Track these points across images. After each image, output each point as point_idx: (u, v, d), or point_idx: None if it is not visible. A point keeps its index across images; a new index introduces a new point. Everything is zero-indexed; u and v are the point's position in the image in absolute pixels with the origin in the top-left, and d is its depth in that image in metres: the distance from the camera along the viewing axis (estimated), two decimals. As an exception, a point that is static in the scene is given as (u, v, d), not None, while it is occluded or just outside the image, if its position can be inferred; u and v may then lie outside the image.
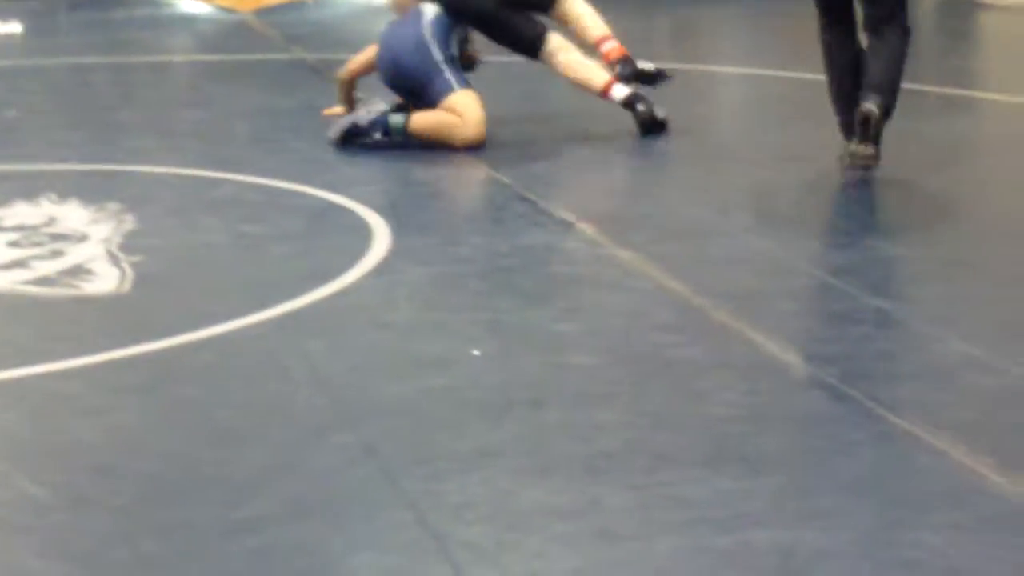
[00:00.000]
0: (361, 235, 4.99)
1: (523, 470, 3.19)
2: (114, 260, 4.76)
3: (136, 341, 4.03)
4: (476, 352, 3.91)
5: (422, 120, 6.23)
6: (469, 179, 5.80)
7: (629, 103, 6.41)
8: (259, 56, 8.13)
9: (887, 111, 5.45)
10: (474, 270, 4.67)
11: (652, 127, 6.38)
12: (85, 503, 3.09)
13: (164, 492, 3.14)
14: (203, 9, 11.12)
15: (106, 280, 4.58)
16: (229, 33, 9.76)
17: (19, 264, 4.74)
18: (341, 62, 7.63)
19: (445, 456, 3.26)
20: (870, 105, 5.37)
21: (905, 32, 5.58)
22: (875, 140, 5.43)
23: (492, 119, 6.48)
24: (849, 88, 5.56)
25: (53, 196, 5.50)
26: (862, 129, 5.40)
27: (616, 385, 3.68)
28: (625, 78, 6.44)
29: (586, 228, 5.02)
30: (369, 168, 6.06)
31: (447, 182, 5.78)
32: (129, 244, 4.92)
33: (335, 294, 4.42)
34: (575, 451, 3.27)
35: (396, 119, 6.22)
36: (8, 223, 5.20)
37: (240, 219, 5.32)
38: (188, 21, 10.94)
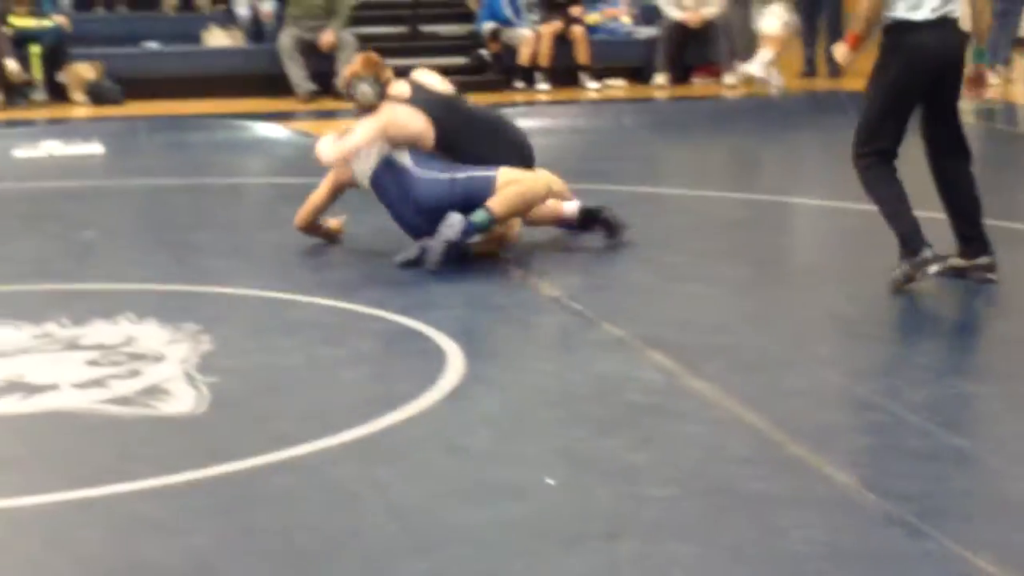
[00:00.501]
0: (435, 360, 5.01)
1: (598, 603, 3.17)
2: (191, 381, 4.80)
3: (212, 463, 4.05)
4: (550, 481, 3.90)
5: (503, 201, 6.31)
6: (542, 306, 5.82)
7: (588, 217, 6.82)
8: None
9: None
10: (547, 398, 4.68)
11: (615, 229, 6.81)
12: (160, 626, 3.10)
13: (239, 617, 3.14)
14: (280, 133, 11.29)
15: (183, 400, 4.61)
16: (304, 157, 9.85)
17: (97, 383, 4.79)
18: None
19: (519, 586, 3.24)
20: None
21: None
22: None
23: (564, 247, 6.52)
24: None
25: (132, 316, 5.57)
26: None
27: (692, 518, 3.66)
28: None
29: (659, 357, 5.01)
30: (443, 292, 6.10)
31: (521, 308, 5.81)
32: (206, 365, 4.96)
33: (409, 419, 4.43)
34: (650, 584, 3.25)
35: (480, 216, 6.28)
36: (87, 342, 5.26)
37: (316, 341, 5.36)
38: (265, 144, 11.10)
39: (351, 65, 6.80)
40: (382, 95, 6.62)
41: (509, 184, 6.37)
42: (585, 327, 5.48)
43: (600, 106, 12.92)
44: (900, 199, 5.80)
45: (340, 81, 6.71)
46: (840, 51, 5.98)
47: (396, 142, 6.52)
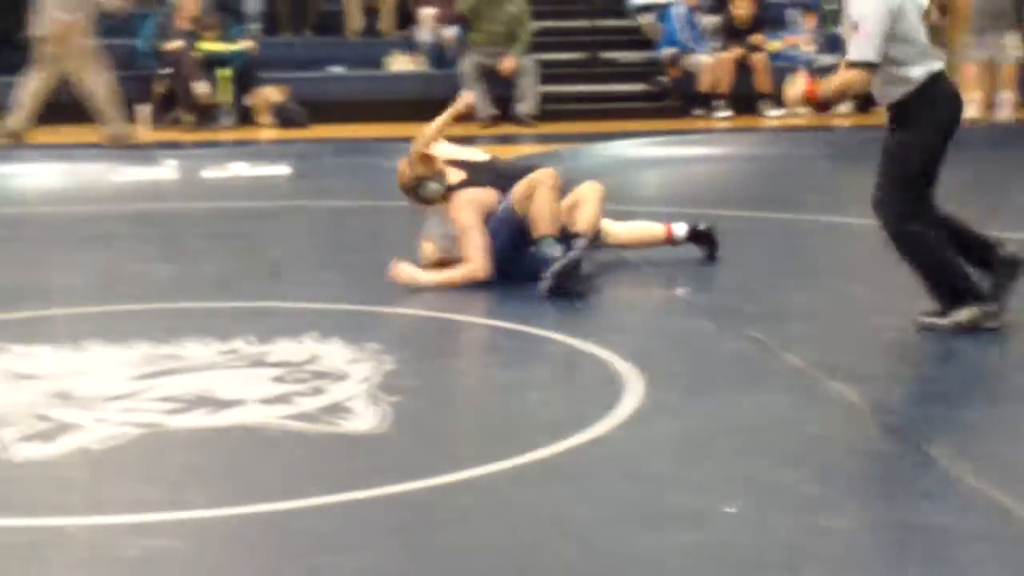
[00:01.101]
0: (614, 385, 5.01)
1: (777, 633, 3.14)
2: (373, 399, 4.87)
3: (392, 481, 4.10)
4: (730, 509, 3.87)
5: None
6: (722, 334, 5.79)
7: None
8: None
9: None
10: (727, 426, 4.65)
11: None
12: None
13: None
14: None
15: (365, 419, 4.68)
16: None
17: (282, 399, 4.89)
18: (609, 214, 7.75)
19: (698, 614, 3.22)
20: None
21: None
22: None
23: (746, 275, 6.48)
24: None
25: (316, 335, 5.68)
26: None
27: (871, 551, 3.61)
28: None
29: (840, 387, 4.95)
30: (622, 319, 6.11)
31: (700, 336, 5.78)
32: (388, 384, 5.03)
33: (588, 443, 4.44)
34: (831, 617, 3.21)
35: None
36: (272, 359, 5.37)
37: (495, 364, 5.40)
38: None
39: (409, 169, 6.90)
40: (445, 187, 6.79)
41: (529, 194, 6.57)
42: (765, 356, 5.44)
43: (780, 134, 12.82)
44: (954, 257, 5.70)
45: (403, 181, 6.94)
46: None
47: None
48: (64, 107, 13.19)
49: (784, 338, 5.62)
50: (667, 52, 13.96)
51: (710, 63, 13.72)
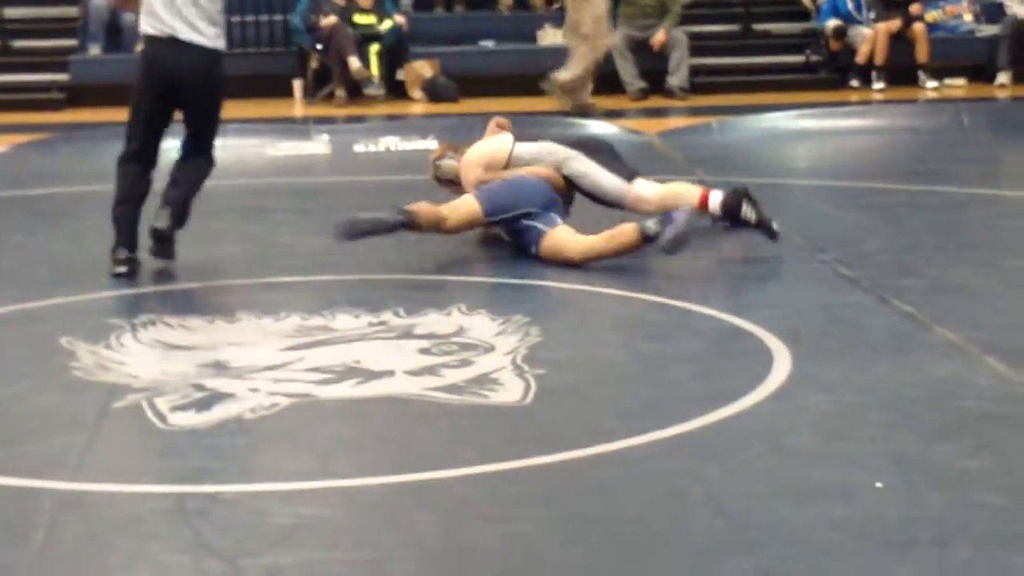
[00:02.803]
0: (762, 359, 4.96)
1: (926, 610, 3.09)
2: (519, 372, 4.88)
3: (537, 452, 4.11)
4: (879, 484, 3.81)
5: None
6: (873, 308, 5.69)
7: (731, 204, 6.54)
8: (664, 177, 8.23)
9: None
10: (877, 400, 4.58)
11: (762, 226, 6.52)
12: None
13: (562, 604, 3.18)
14: (609, 129, 11.36)
15: (511, 391, 4.69)
16: (634, 154, 9.90)
17: (429, 371, 4.92)
18: (762, 186, 7.66)
19: (845, 589, 3.19)
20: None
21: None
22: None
23: (896, 249, 6.36)
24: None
25: (463, 307, 5.70)
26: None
27: (1026, 528, 3.53)
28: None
29: (996, 363, 4.85)
30: (771, 292, 6.05)
31: (850, 310, 5.69)
32: (533, 357, 5.04)
33: (735, 417, 4.40)
34: (982, 594, 3.16)
35: None
36: (420, 331, 5.41)
37: (642, 337, 5.38)
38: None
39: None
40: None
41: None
42: (918, 330, 5.35)
43: (938, 106, 12.57)
44: None
45: (429, 171, 7.38)
46: None
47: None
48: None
49: (939, 312, 5.52)
50: (831, 23, 13.70)
51: (869, 34, 13.49)
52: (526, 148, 7.00)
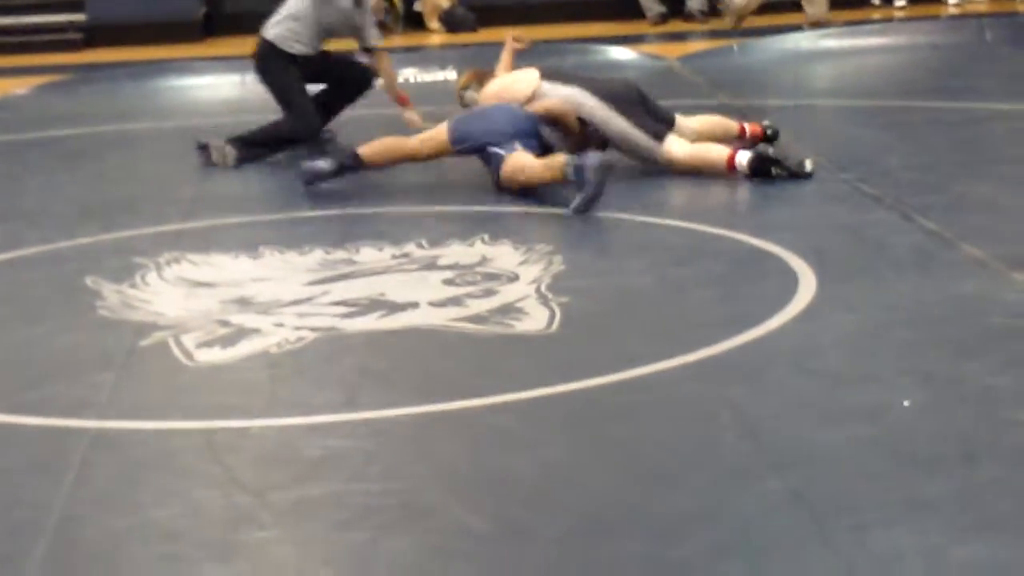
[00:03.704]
0: (786, 280, 4.95)
1: (955, 525, 3.10)
2: (543, 300, 4.88)
3: (564, 379, 4.12)
4: (906, 403, 3.81)
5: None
6: (896, 226, 5.67)
7: (758, 168, 6.44)
8: (685, 101, 8.20)
9: None
10: (903, 319, 4.57)
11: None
12: (520, 534, 3.18)
13: (594, 527, 3.19)
14: (629, 55, 11.30)
15: (536, 319, 4.69)
16: (655, 79, 9.86)
17: (454, 301, 4.92)
18: (765, 108, 7.63)
19: (874, 507, 3.19)
20: None
21: None
22: None
23: (918, 167, 6.32)
24: None
25: (486, 237, 5.70)
26: None
27: (1056, 442, 3.52)
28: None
29: (1022, 278, 4.83)
30: (794, 213, 6.02)
31: (874, 228, 5.67)
32: (558, 285, 5.03)
33: (760, 339, 4.40)
34: (1010, 508, 3.16)
35: None
36: (444, 262, 5.40)
37: (666, 262, 5.37)
38: (615, 67, 11.12)
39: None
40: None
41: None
42: (942, 247, 5.32)
43: (960, 21, 12.45)
44: None
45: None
46: None
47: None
48: (237, 17, 13.39)
49: (964, 228, 5.49)
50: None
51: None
52: (554, 90, 6.91)
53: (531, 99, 6.87)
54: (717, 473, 3.46)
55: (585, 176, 5.99)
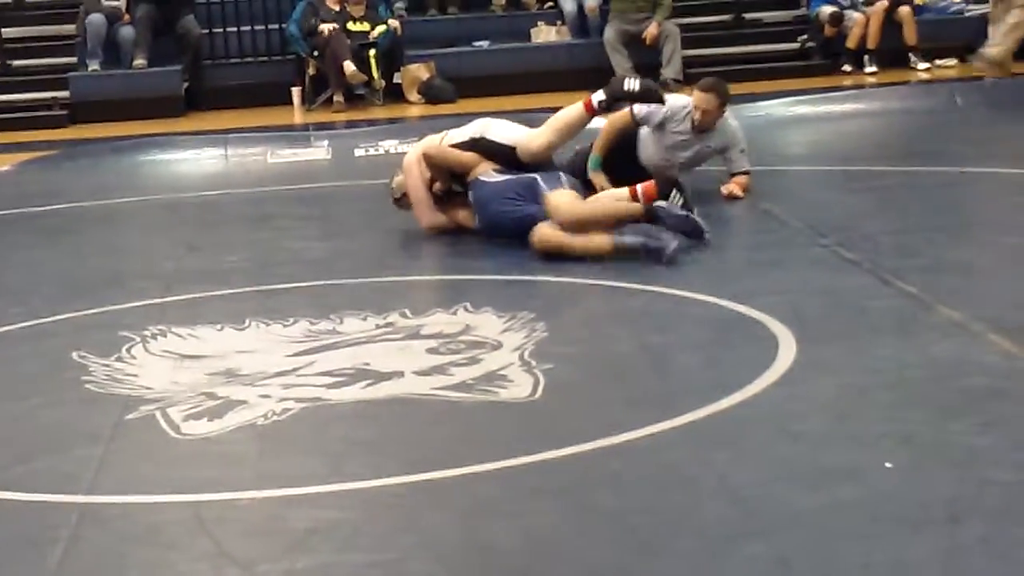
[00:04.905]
0: (767, 345, 5.00)
1: (941, 587, 3.13)
2: (527, 367, 4.91)
3: (549, 447, 4.14)
4: (889, 465, 3.85)
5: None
6: (875, 289, 5.73)
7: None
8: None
9: None
10: (883, 381, 4.61)
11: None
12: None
13: (580, 595, 3.21)
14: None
15: (520, 387, 4.73)
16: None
17: (439, 370, 4.95)
18: (760, 173, 7.70)
19: (859, 570, 3.22)
20: None
21: None
22: None
23: (897, 230, 6.38)
24: None
25: (468, 305, 5.74)
26: None
27: (1037, 502, 3.56)
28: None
29: (1000, 340, 4.88)
30: (773, 278, 6.07)
31: (853, 293, 5.72)
32: (541, 352, 5.07)
33: (743, 403, 4.43)
34: (996, 569, 3.19)
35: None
36: (427, 331, 5.44)
37: (647, 329, 5.41)
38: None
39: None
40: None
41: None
42: (921, 310, 5.38)
43: (931, 87, 12.59)
44: None
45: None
46: None
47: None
48: (219, 92, 13.49)
49: (941, 291, 5.55)
50: (827, 10, 13.69)
51: (860, 19, 13.52)
52: (457, 131, 7.14)
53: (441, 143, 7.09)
54: (702, 539, 3.49)
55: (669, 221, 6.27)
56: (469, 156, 6.90)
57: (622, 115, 7.59)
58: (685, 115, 7.61)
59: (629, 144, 7.64)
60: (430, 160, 6.98)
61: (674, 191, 6.58)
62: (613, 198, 6.81)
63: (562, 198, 6.51)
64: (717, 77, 7.84)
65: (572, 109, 6.89)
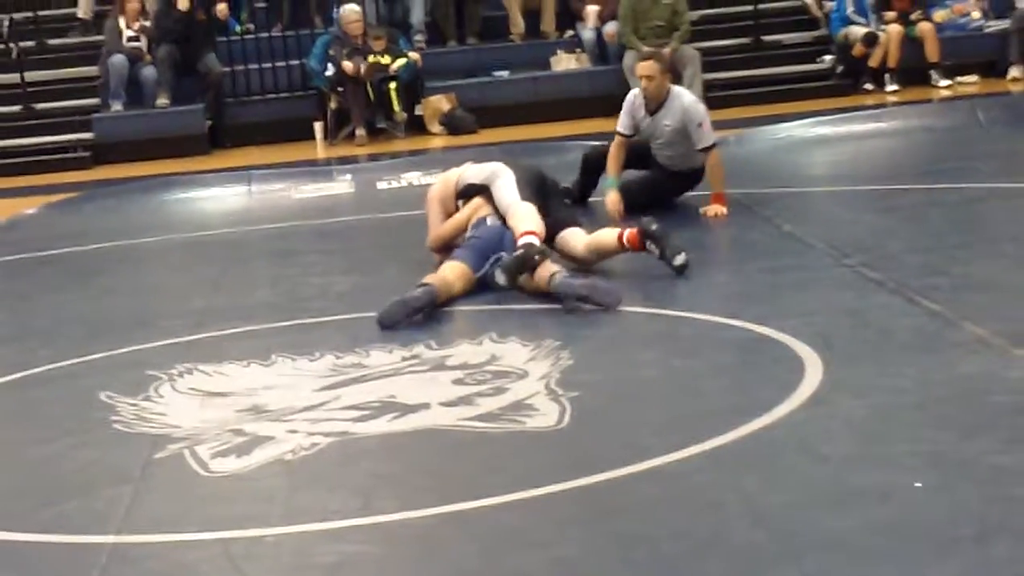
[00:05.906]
0: (792, 367, 4.99)
1: (971, 606, 3.11)
2: (553, 396, 4.92)
3: (576, 475, 4.15)
4: (918, 484, 3.84)
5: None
6: (899, 308, 5.72)
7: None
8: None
9: None
10: (910, 401, 4.60)
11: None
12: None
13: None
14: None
15: (546, 415, 4.73)
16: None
17: (465, 401, 4.96)
18: (765, 196, 7.72)
19: (889, 590, 3.21)
20: None
21: None
22: None
23: (919, 249, 6.36)
24: None
25: (494, 335, 5.75)
26: None
27: (1067, 518, 3.55)
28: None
29: (1027, 356, 4.87)
30: (798, 300, 6.07)
31: (877, 312, 5.72)
32: (567, 380, 5.08)
33: (770, 426, 4.43)
34: (1026, 587, 3.18)
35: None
36: (453, 362, 5.45)
37: (673, 353, 5.42)
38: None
39: None
40: None
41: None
42: (946, 328, 5.37)
43: (952, 104, 12.58)
44: None
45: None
46: None
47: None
48: (241, 129, 13.56)
49: (966, 309, 5.53)
50: (860, 30, 13.65)
51: (882, 38, 13.51)
52: (473, 170, 7.18)
53: (457, 185, 7.20)
54: (732, 564, 3.49)
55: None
56: (463, 217, 6.99)
57: (616, 140, 8.20)
58: (640, 102, 8.14)
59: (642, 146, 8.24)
60: (435, 247, 7.12)
61: (648, 242, 6.57)
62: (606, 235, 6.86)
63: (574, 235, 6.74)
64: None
65: (524, 222, 6.69)
